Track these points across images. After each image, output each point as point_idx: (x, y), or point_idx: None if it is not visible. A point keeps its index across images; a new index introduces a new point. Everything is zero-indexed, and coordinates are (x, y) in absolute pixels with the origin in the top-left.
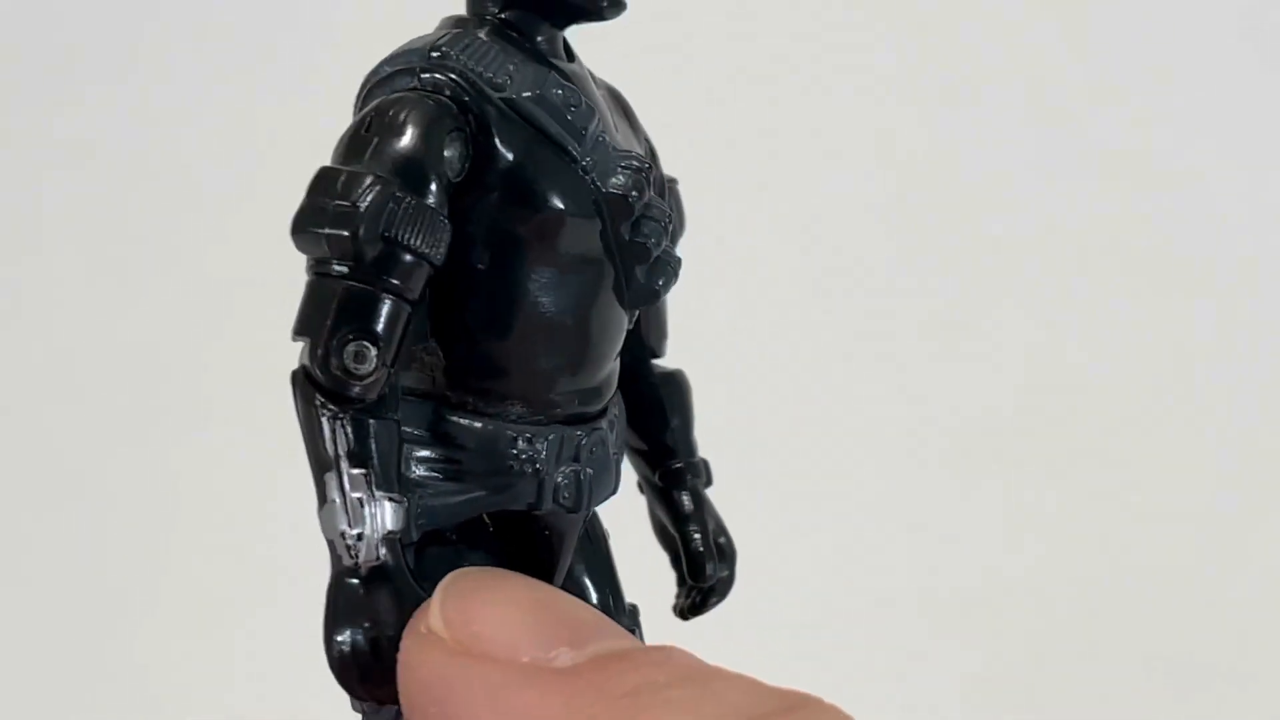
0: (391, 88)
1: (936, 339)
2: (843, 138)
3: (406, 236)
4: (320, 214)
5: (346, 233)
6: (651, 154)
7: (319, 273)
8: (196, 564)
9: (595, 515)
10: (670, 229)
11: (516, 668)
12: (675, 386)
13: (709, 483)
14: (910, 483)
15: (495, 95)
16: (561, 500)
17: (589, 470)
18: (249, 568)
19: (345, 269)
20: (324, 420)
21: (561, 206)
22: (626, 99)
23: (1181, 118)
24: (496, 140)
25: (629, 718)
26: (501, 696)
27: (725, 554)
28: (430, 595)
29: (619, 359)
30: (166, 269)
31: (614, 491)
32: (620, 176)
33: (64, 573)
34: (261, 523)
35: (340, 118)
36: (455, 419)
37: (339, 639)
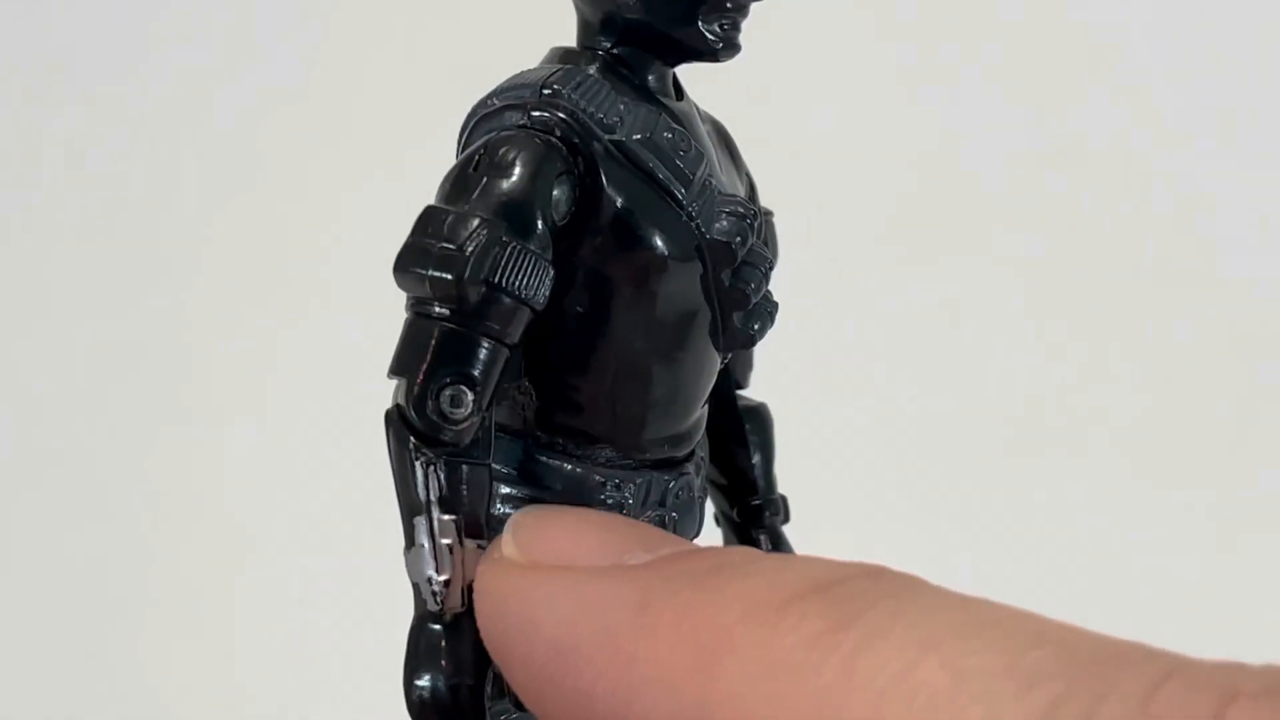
0: (500, 124)
1: (937, 341)
2: (841, 136)
3: (510, 282)
4: (425, 255)
5: (450, 276)
6: (751, 189)
7: (419, 312)
8: (195, 563)
9: None
10: (770, 274)
11: (593, 569)
12: (759, 421)
13: (786, 519)
14: (910, 483)
15: (605, 137)
16: None
17: (674, 515)
18: (247, 565)
19: (446, 311)
20: (417, 464)
21: (665, 252)
22: (729, 132)
23: (1197, 118)
24: (604, 183)
25: (714, 587)
26: (580, 593)
27: None
28: None
29: (708, 402)
30: (167, 268)
31: (698, 534)
32: (725, 222)
33: (63, 570)
34: (260, 520)
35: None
36: (544, 459)
37: (419, 684)
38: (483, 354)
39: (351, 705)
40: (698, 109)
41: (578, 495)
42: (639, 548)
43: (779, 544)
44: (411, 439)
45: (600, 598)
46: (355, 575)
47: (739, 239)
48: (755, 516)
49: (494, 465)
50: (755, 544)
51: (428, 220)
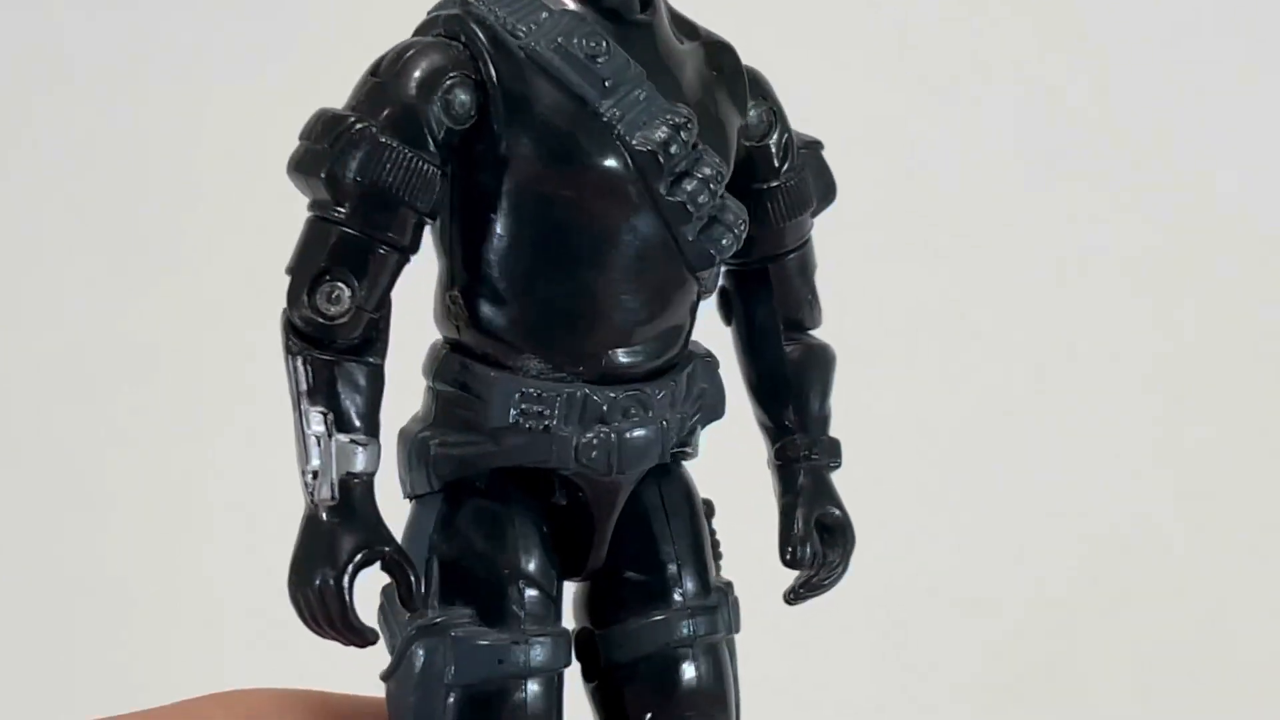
0: (418, 31)
1: (934, 343)
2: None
3: (384, 180)
4: (301, 156)
5: (322, 175)
6: (769, 125)
7: (313, 214)
8: (195, 563)
9: (677, 484)
10: (719, 184)
11: None
12: (802, 362)
13: (832, 462)
14: (909, 485)
15: (514, 44)
16: (587, 462)
17: (621, 434)
18: (248, 564)
19: (335, 213)
20: (292, 358)
21: (574, 158)
22: (733, 60)
23: (1198, 118)
24: (509, 88)
25: None
26: None
27: (835, 538)
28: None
29: (687, 321)
30: (168, 267)
31: (660, 459)
32: (654, 131)
33: (60, 568)
34: (261, 520)
35: None
36: (475, 368)
37: (294, 574)
38: (363, 254)
39: None
40: (700, 31)
41: (502, 406)
42: None
43: (821, 488)
44: (292, 335)
45: None
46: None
47: (666, 147)
48: (786, 456)
49: (441, 379)
50: (783, 483)
51: (312, 123)
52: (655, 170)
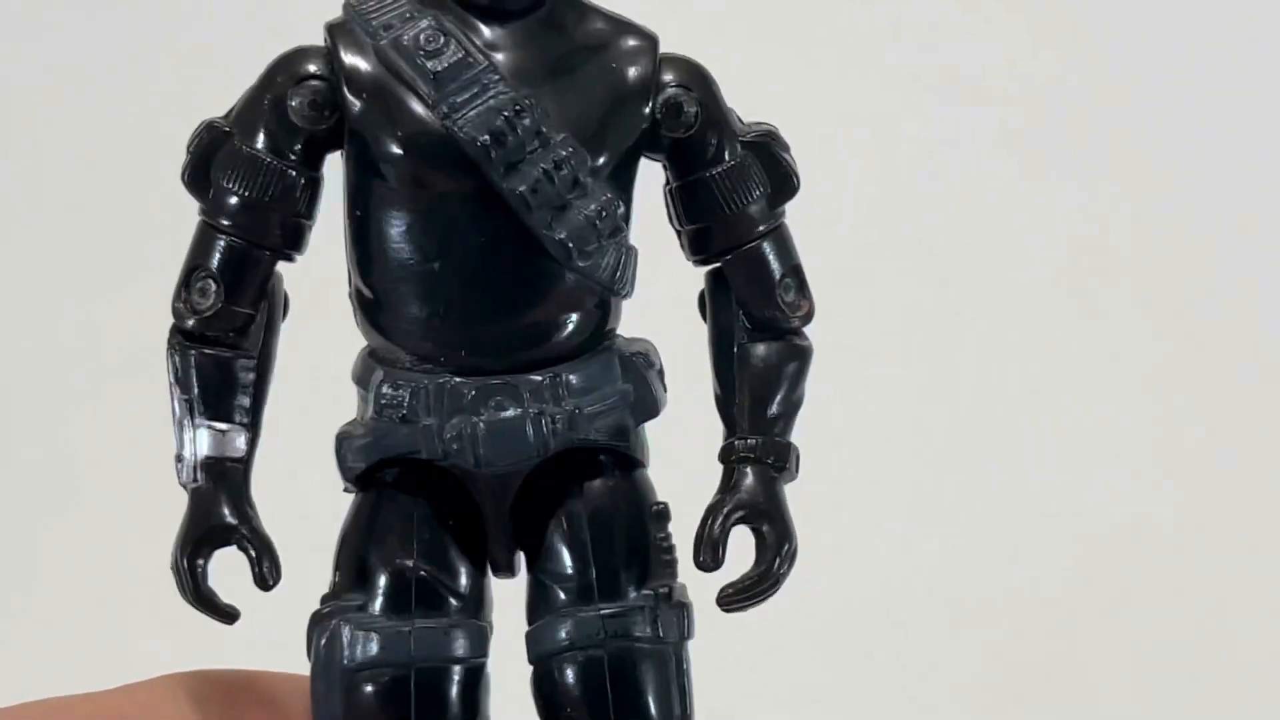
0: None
1: (929, 343)
2: (840, 132)
3: (227, 181)
4: (183, 163)
5: (185, 179)
6: (699, 109)
7: (199, 217)
8: None
9: (600, 484)
10: (556, 174)
11: None
12: (763, 359)
13: (775, 463)
14: (906, 486)
15: (371, 45)
16: (450, 452)
17: (481, 426)
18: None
19: (209, 215)
20: (168, 349)
21: (411, 155)
22: (651, 53)
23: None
24: (360, 89)
25: None
26: None
27: (762, 547)
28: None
29: (577, 315)
30: (162, 268)
31: (541, 453)
32: (487, 122)
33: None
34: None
35: None
36: (368, 364)
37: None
38: (222, 250)
39: None
40: (615, 23)
41: (373, 399)
42: None
43: (756, 491)
44: (171, 329)
45: None
46: None
47: (488, 137)
48: (726, 454)
49: (355, 378)
50: (727, 481)
51: (192, 133)
52: (488, 162)
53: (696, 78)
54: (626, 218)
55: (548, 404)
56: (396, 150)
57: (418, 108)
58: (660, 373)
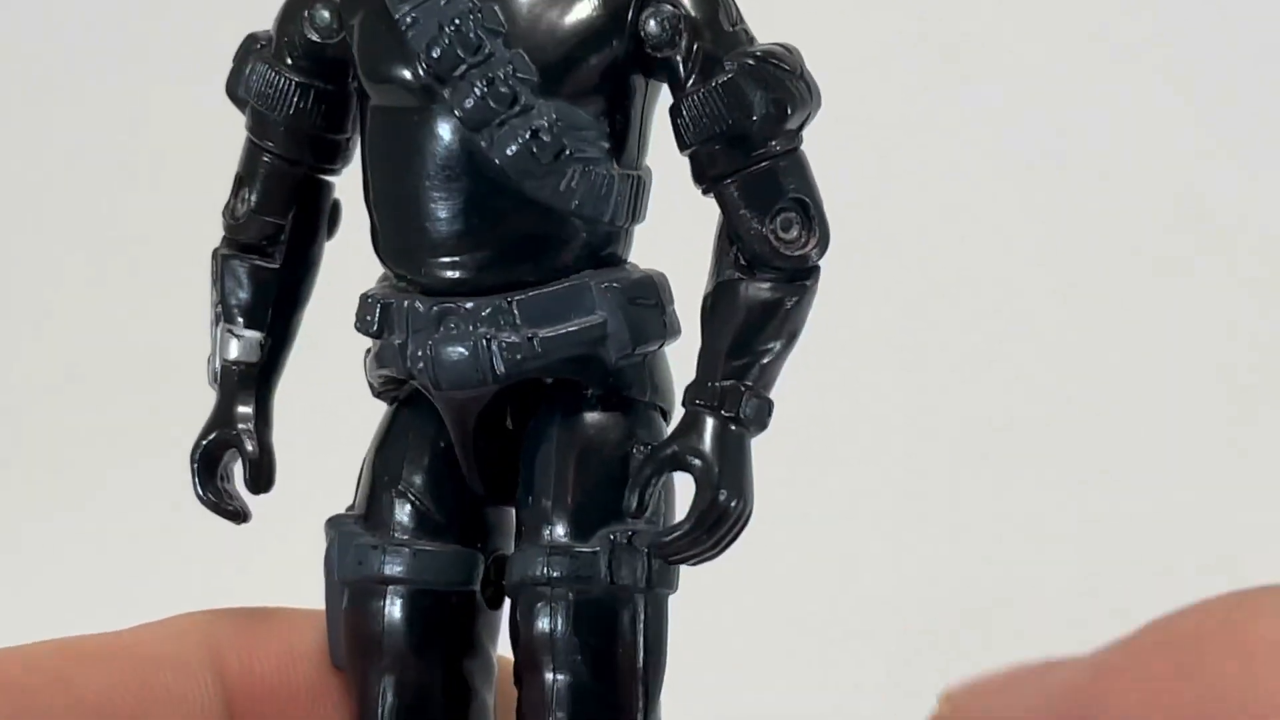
0: None
1: (933, 345)
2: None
3: (251, 92)
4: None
5: (226, 89)
6: (679, 26)
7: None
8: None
9: (582, 419)
10: (494, 90)
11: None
12: (741, 298)
13: (725, 410)
14: (907, 487)
15: None
16: (414, 373)
17: (435, 346)
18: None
19: (247, 124)
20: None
21: (377, 69)
22: None
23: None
24: (350, 3)
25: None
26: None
27: (699, 495)
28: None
29: (543, 238)
30: (164, 268)
31: (484, 384)
32: (433, 33)
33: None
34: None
35: None
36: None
37: None
38: (254, 161)
39: None
40: None
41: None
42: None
43: (688, 433)
44: (222, 237)
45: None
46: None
47: (433, 50)
48: (684, 399)
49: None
50: (679, 426)
51: None
52: (430, 73)
53: None
54: (591, 140)
55: (498, 329)
56: (368, 67)
57: (383, 21)
58: (658, 306)
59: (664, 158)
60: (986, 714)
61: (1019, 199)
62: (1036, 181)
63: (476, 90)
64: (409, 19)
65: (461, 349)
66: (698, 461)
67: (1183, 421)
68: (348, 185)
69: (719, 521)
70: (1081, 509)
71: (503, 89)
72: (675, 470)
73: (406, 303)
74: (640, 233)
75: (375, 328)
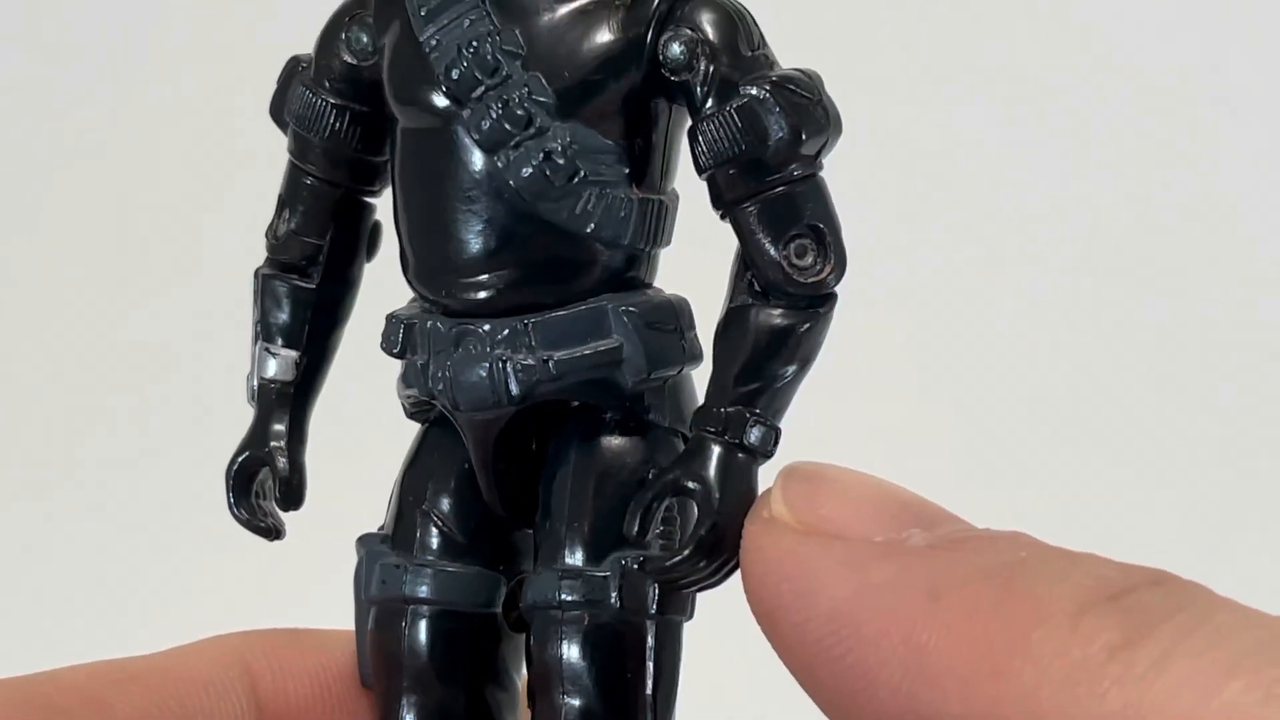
0: None
1: (937, 342)
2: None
3: (288, 114)
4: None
5: (270, 110)
6: (697, 49)
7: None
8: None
9: (599, 442)
10: (509, 110)
11: (872, 545)
12: (728, 328)
13: (728, 436)
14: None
15: None
16: (435, 393)
17: (452, 368)
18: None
19: (289, 146)
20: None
21: (404, 91)
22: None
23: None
24: (382, 26)
25: (1005, 583)
26: (861, 570)
27: (695, 522)
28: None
29: (563, 261)
30: (163, 268)
31: (499, 405)
32: (455, 57)
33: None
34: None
35: None
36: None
37: None
38: (295, 182)
39: None
40: None
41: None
42: (915, 525)
43: (722, 467)
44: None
45: (886, 579)
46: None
47: (446, 70)
48: (692, 424)
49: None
50: (685, 451)
51: None
52: (450, 93)
53: (705, 18)
54: (609, 164)
55: (514, 351)
56: (397, 90)
57: (410, 44)
58: (677, 331)
59: (694, 182)
60: (824, 524)
61: (1034, 193)
62: (1056, 214)
63: (493, 112)
64: (433, 41)
65: (479, 370)
66: (698, 487)
67: (1183, 422)
68: (388, 207)
69: (716, 548)
70: (1085, 523)
71: (518, 111)
72: (676, 496)
73: (429, 323)
74: (667, 256)
75: (399, 348)
